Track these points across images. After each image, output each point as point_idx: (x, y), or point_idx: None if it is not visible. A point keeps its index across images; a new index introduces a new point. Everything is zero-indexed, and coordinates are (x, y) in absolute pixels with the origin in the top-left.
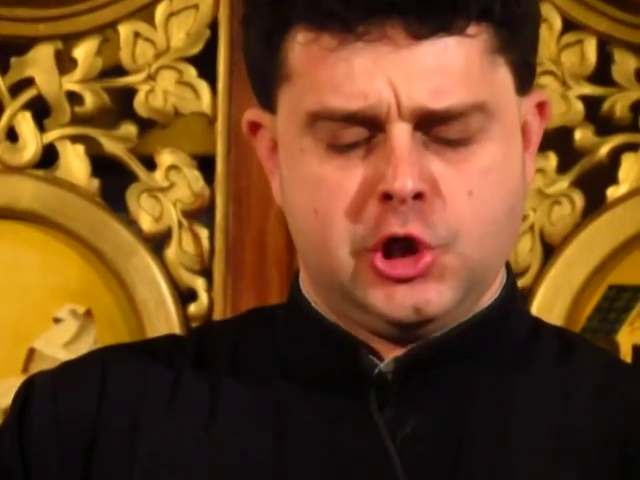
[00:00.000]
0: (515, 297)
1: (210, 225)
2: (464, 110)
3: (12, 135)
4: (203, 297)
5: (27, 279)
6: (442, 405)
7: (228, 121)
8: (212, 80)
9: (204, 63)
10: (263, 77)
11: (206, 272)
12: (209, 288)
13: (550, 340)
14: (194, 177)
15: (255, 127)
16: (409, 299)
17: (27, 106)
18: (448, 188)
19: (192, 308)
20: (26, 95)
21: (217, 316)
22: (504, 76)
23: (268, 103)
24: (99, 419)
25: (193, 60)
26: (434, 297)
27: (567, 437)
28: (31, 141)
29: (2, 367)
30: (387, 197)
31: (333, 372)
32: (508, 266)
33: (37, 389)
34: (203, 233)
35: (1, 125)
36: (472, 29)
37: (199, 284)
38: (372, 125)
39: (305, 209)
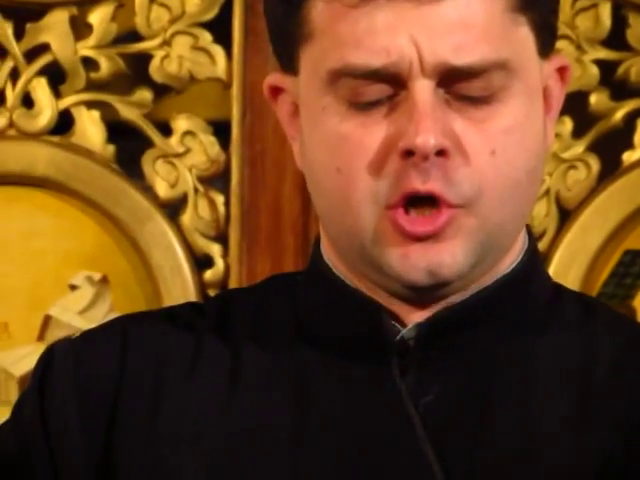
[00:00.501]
0: (537, 262)
1: (225, 190)
2: (486, 66)
3: (27, 101)
4: (219, 263)
5: (42, 245)
6: (464, 371)
7: (243, 86)
8: (227, 45)
9: (219, 28)
10: (284, 38)
11: (222, 238)
12: (225, 254)
13: (571, 305)
14: (209, 142)
15: (276, 91)
16: (422, 260)
17: (42, 72)
18: (471, 146)
19: (208, 274)
20: (41, 61)
21: (233, 282)
22: (526, 35)
23: (290, 65)
24: (121, 384)
25: (208, 25)
26: (447, 259)
27: (589, 400)
28: (46, 107)
29: (18, 334)
30: (409, 153)
31: (355, 338)
32: (529, 231)
33: (58, 356)
34: (219, 199)
35: (16, 91)
36: None
37: (215, 250)
38: (394, 82)
39: (327, 168)
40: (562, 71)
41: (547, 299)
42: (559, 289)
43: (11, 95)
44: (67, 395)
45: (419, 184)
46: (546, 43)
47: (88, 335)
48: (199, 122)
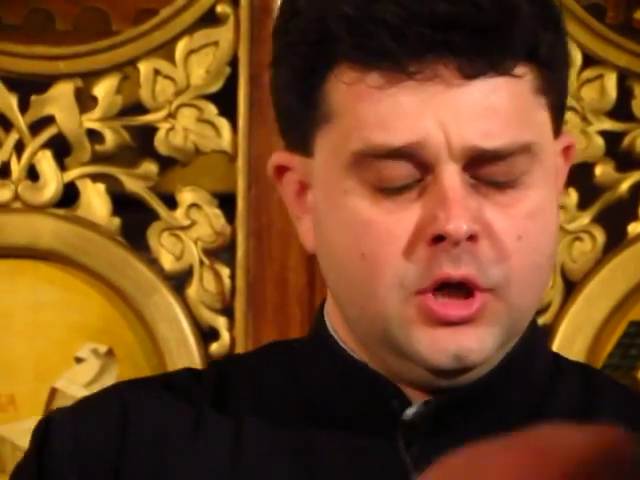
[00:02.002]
0: (537, 334)
1: (231, 263)
2: (513, 150)
3: (33, 174)
4: (225, 336)
5: (48, 317)
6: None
7: (248, 158)
8: (232, 118)
9: (224, 100)
10: (297, 119)
11: (227, 310)
12: (231, 327)
13: (571, 377)
14: (215, 215)
15: (281, 170)
16: (452, 344)
17: (47, 144)
18: (498, 231)
19: (214, 347)
20: (46, 133)
21: None
22: (545, 118)
23: (302, 146)
24: (122, 456)
25: (213, 97)
26: (476, 344)
27: None
28: (52, 180)
29: (24, 407)
30: (438, 239)
31: (360, 412)
32: None
33: (56, 423)
34: (224, 271)
35: (22, 164)
36: (519, 69)
37: (221, 323)
38: (420, 165)
39: (350, 253)
40: (567, 149)
41: (548, 370)
42: (558, 359)
43: (16, 168)
44: (67, 467)
45: (451, 270)
46: (559, 124)
47: (86, 402)
48: (204, 195)
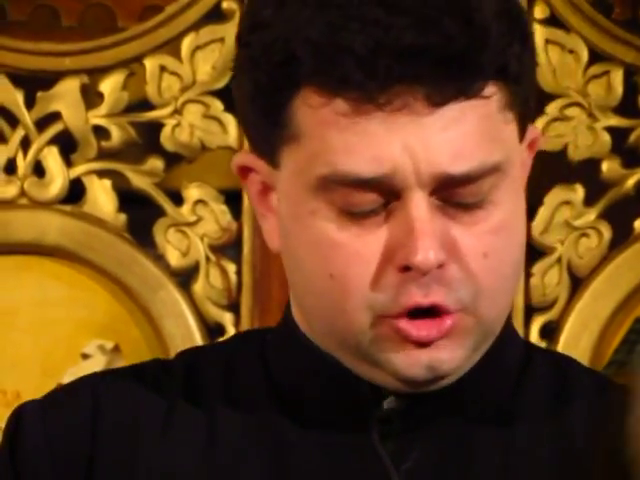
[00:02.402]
0: (509, 329)
1: (237, 259)
2: (482, 173)
3: (39, 170)
4: (231, 332)
5: (55, 314)
6: (443, 438)
7: None
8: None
9: (230, 97)
10: (262, 133)
11: (233, 307)
12: (237, 323)
13: (543, 366)
14: (221, 211)
15: (246, 170)
16: (425, 357)
17: (53, 141)
18: (465, 251)
19: None
20: (52, 130)
21: None
22: (512, 132)
23: (268, 157)
24: (94, 447)
25: (219, 93)
26: (448, 356)
27: (569, 459)
28: (58, 176)
29: None
30: (407, 268)
31: (334, 406)
32: None
33: (27, 416)
34: (230, 267)
35: (28, 160)
36: (488, 89)
37: (227, 319)
38: (387, 192)
39: (319, 272)
40: (532, 143)
41: (519, 363)
42: (529, 350)
43: (22, 164)
44: (40, 460)
45: (420, 297)
46: (525, 126)
47: (57, 396)
48: (210, 191)
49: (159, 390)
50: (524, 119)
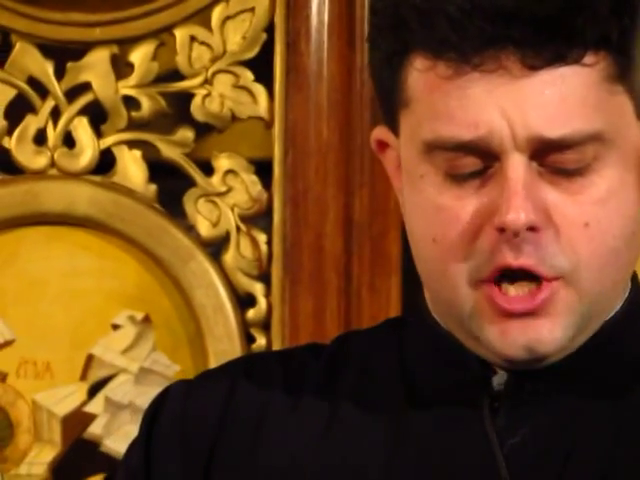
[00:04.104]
0: (637, 311)
1: (268, 229)
2: (580, 139)
3: (69, 140)
4: (261, 302)
5: (85, 285)
6: (552, 417)
7: (285, 125)
8: (269, 84)
9: (260, 67)
10: (387, 98)
11: (264, 277)
12: (267, 293)
13: None
14: (251, 181)
15: (383, 145)
16: (522, 337)
17: (83, 111)
18: (564, 219)
19: (250, 313)
20: (82, 100)
21: (275, 321)
22: (623, 103)
23: (391, 125)
24: (223, 424)
25: (249, 64)
26: (546, 336)
27: None
28: (88, 146)
29: (60, 374)
30: (502, 230)
31: (450, 381)
32: (634, 278)
33: (170, 397)
34: (261, 238)
35: (58, 130)
36: (589, 58)
37: (257, 289)
38: (486, 155)
39: (424, 237)
40: None
41: None
42: None
43: (52, 135)
44: (171, 438)
45: (511, 259)
46: None
47: (202, 377)
48: (241, 161)
49: (300, 373)
50: None
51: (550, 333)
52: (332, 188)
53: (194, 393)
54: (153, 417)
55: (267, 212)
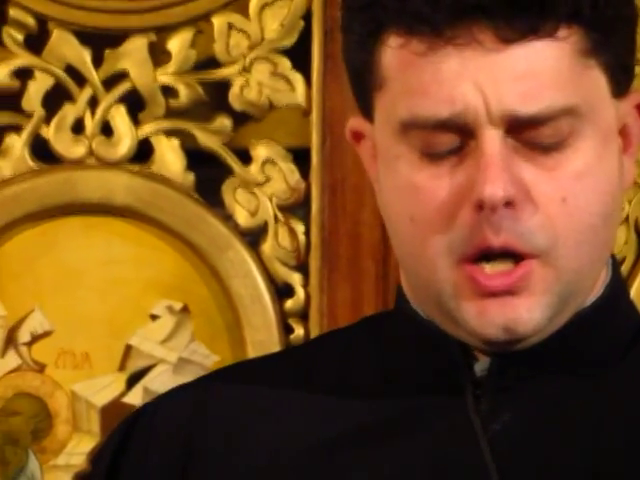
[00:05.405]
0: (619, 296)
1: (306, 219)
2: (554, 114)
3: (107, 129)
4: (300, 292)
5: (122, 274)
6: (536, 402)
7: (322, 113)
8: (306, 72)
9: (298, 55)
10: (361, 83)
11: (302, 267)
12: (305, 283)
13: None
14: (289, 170)
15: (358, 135)
16: (500, 316)
17: (121, 99)
18: (541, 195)
19: (288, 303)
20: (120, 88)
21: (314, 310)
22: (597, 78)
23: (366, 111)
24: (195, 429)
25: (287, 52)
26: (524, 315)
27: None
28: (126, 135)
29: (98, 364)
30: (480, 207)
31: (433, 369)
32: (614, 263)
33: (141, 410)
34: (299, 227)
35: (95, 119)
36: (562, 32)
37: (295, 279)
38: (463, 132)
39: (401, 216)
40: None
41: (630, 336)
42: None
43: (90, 123)
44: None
45: (492, 238)
46: (621, 83)
47: (173, 392)
48: (279, 150)
49: (278, 378)
50: (615, 72)
51: (528, 312)
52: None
53: (161, 410)
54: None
55: (305, 201)
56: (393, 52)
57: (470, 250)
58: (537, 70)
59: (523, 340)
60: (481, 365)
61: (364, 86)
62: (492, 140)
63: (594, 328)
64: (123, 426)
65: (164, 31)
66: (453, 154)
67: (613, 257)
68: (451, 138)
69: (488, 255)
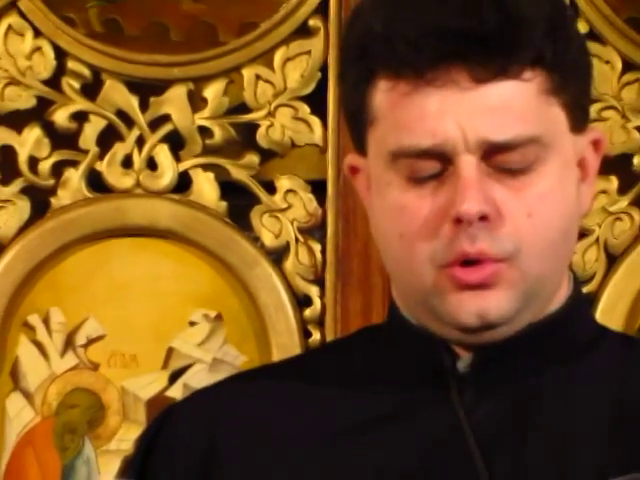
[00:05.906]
0: (580, 306)
1: (322, 240)
2: (522, 142)
3: (152, 164)
4: (317, 302)
5: (165, 287)
6: (515, 392)
7: (337, 151)
8: (323, 116)
9: (316, 101)
10: (356, 123)
11: (319, 281)
12: (322, 295)
13: (614, 341)
14: (308, 199)
15: (354, 170)
16: (474, 305)
17: (164, 139)
18: (510, 211)
19: (307, 312)
20: (163, 130)
21: (329, 318)
22: (557, 115)
23: (361, 146)
24: (213, 439)
25: (306, 98)
26: (493, 305)
27: (623, 419)
28: (168, 169)
29: (144, 364)
30: (458, 221)
31: (421, 367)
32: (576, 280)
33: (168, 418)
34: (316, 247)
35: (142, 156)
36: (527, 73)
37: (313, 291)
38: (442, 159)
39: (391, 234)
40: (596, 143)
41: (591, 337)
42: (605, 330)
43: (137, 159)
44: (165, 449)
45: (468, 246)
46: (578, 120)
47: (194, 396)
48: (299, 182)
49: (283, 387)
50: (574, 110)
51: (497, 302)
52: None
53: (184, 412)
54: (150, 446)
55: (322, 225)
56: (383, 94)
57: (451, 257)
58: (507, 105)
59: (495, 327)
60: (464, 362)
61: (359, 124)
62: (468, 165)
63: (558, 330)
64: (152, 429)
65: (201, 81)
66: (435, 178)
67: (575, 276)
68: (433, 164)
69: (465, 261)
